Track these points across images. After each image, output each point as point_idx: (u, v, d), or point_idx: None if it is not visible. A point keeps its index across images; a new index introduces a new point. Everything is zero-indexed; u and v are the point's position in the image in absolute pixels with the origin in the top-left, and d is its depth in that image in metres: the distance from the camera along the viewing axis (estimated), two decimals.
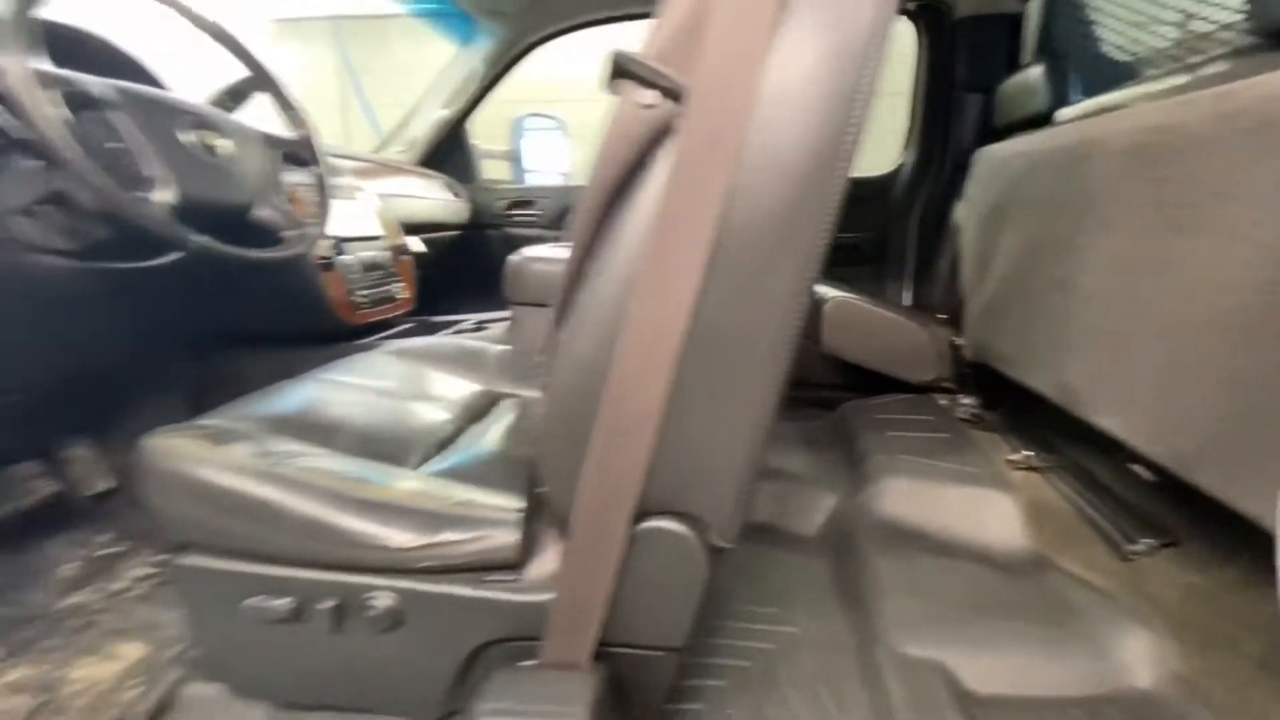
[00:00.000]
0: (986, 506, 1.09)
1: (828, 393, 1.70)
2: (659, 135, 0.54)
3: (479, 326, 1.49)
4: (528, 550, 0.69)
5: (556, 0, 2.09)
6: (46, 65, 0.71)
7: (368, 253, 1.41)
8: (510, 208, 2.34)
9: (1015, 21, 1.69)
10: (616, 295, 0.55)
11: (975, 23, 1.91)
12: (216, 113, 0.96)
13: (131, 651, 0.89)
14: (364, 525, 0.66)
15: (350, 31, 3.77)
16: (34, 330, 0.87)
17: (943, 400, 1.53)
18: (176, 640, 0.90)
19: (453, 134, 2.21)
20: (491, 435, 0.93)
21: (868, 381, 1.64)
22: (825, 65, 0.49)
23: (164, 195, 0.79)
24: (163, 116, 0.85)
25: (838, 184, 0.51)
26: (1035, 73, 1.29)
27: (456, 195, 2.14)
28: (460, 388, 1.10)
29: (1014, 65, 1.43)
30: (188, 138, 0.88)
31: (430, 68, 2.26)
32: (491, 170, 2.54)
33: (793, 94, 0.49)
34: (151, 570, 1.07)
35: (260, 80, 1.05)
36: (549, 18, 2.12)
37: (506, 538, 0.67)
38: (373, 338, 1.42)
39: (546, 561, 0.70)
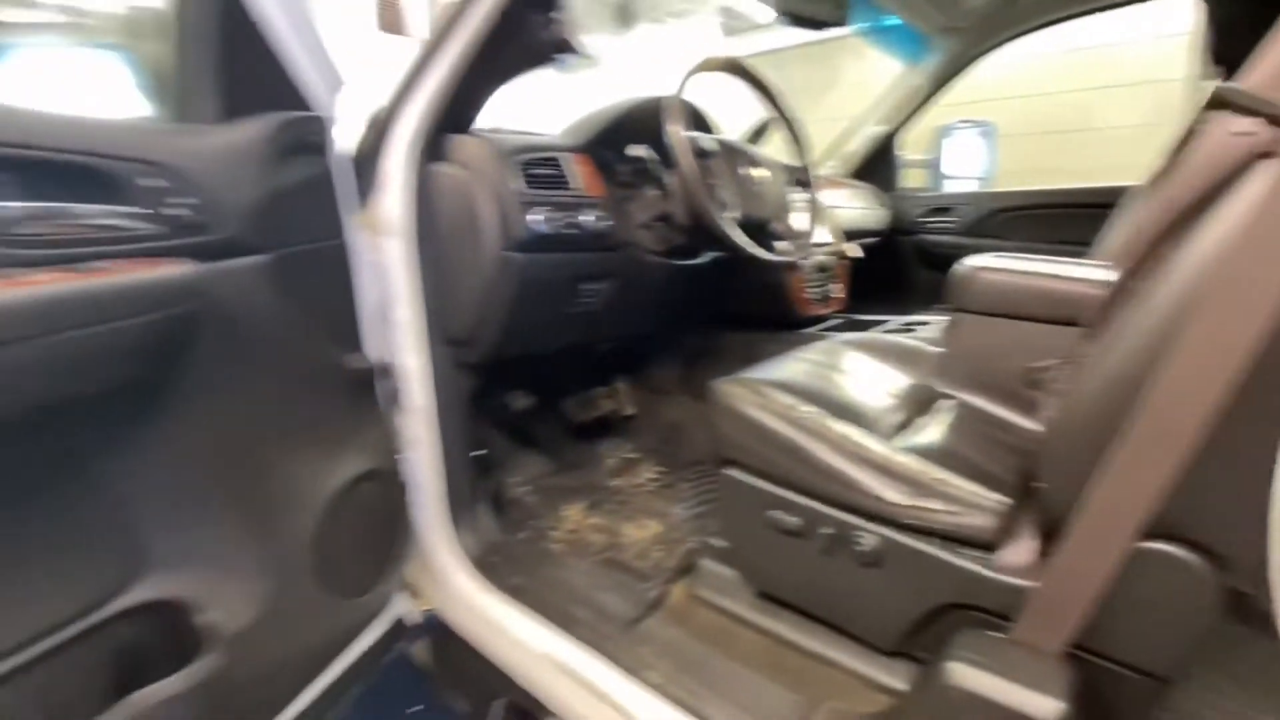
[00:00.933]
0: None
1: None
2: (1249, 161, 0.52)
3: (907, 327, 1.54)
4: (1005, 534, 0.74)
5: (1013, 9, 1.96)
6: (691, 131, 1.04)
7: (820, 256, 1.60)
8: (927, 214, 2.30)
9: None
10: (1170, 313, 0.55)
11: None
12: (759, 151, 1.24)
13: (654, 526, 1.23)
14: (865, 477, 0.80)
15: (804, 57, 4.13)
16: (630, 305, 1.27)
17: None
18: (680, 526, 1.22)
19: (884, 147, 2.28)
20: (940, 429, 0.99)
21: None
22: None
23: (733, 214, 1.08)
24: (734, 157, 1.14)
25: None
26: None
27: (880, 204, 2.21)
28: (902, 380, 1.18)
29: None
30: (745, 171, 1.16)
31: (873, 83, 2.36)
32: (910, 178, 2.53)
33: None
34: (655, 476, 1.45)
35: (780, 119, 1.29)
36: (1004, 26, 2.00)
37: (984, 520, 0.74)
38: (811, 329, 1.60)
39: (1023, 549, 0.74)
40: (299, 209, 0.77)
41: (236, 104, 0.72)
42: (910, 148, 2.47)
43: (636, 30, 4.28)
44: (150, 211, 0.59)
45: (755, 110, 1.36)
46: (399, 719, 1.13)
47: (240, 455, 0.71)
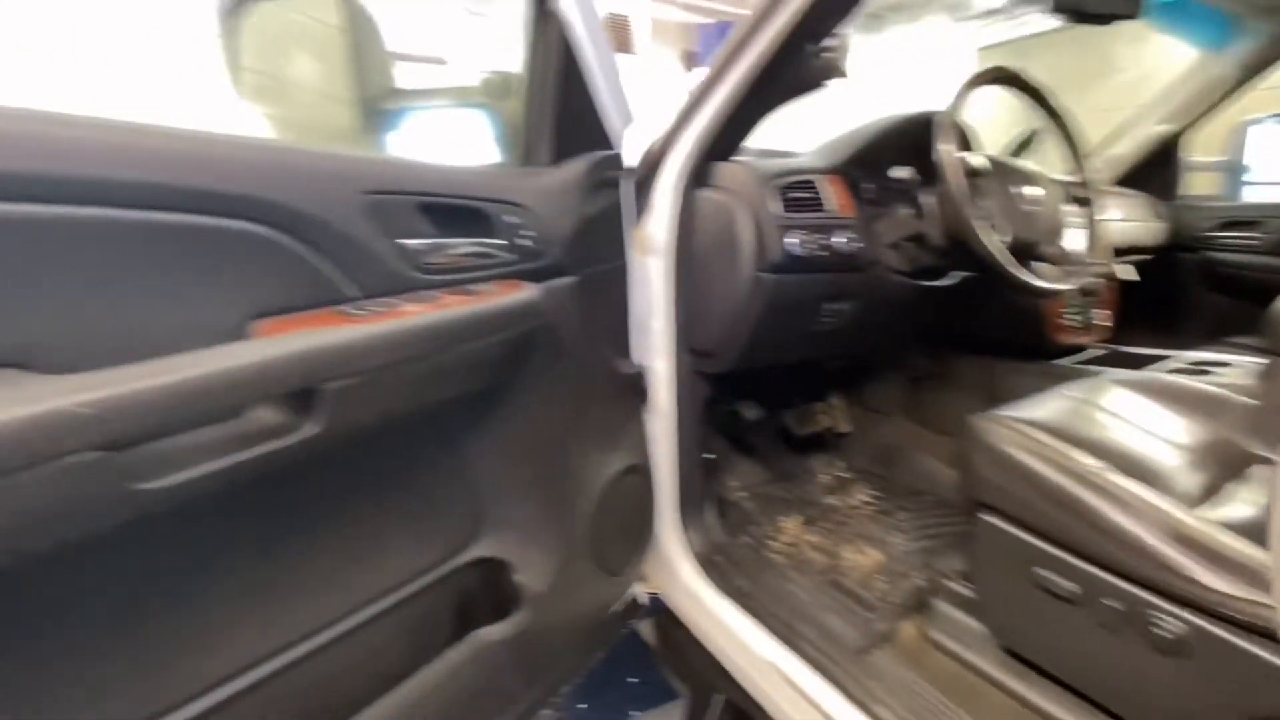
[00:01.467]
0: None
1: None
2: None
3: (1198, 367, 1.27)
4: None
5: None
6: (960, 151, 0.97)
7: (1084, 279, 1.39)
8: (1220, 228, 1.88)
9: None
10: None
11: None
12: (1032, 167, 1.11)
13: (873, 554, 1.18)
14: (1172, 552, 0.68)
15: (1049, 45, 3.62)
16: (868, 325, 1.21)
17: None
18: (903, 559, 1.15)
19: (1164, 149, 1.90)
20: (1262, 500, 0.81)
21: None
22: None
23: (1003, 236, 0.98)
24: (1006, 175, 1.04)
25: None
26: None
27: (1156, 216, 1.85)
28: (1199, 434, 0.98)
29: None
30: (1017, 190, 1.05)
31: (1142, 73, 1.98)
32: (1195, 184, 2.08)
33: None
34: (869, 499, 1.38)
35: (1054, 129, 1.14)
36: None
37: None
38: (1065, 361, 1.40)
39: None
40: (597, 234, 0.85)
41: (564, 147, 0.82)
42: (1196, 149, 2.03)
43: (862, 30, 4.06)
44: (508, 242, 0.70)
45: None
46: (619, 685, 1.22)
47: (549, 444, 0.82)
